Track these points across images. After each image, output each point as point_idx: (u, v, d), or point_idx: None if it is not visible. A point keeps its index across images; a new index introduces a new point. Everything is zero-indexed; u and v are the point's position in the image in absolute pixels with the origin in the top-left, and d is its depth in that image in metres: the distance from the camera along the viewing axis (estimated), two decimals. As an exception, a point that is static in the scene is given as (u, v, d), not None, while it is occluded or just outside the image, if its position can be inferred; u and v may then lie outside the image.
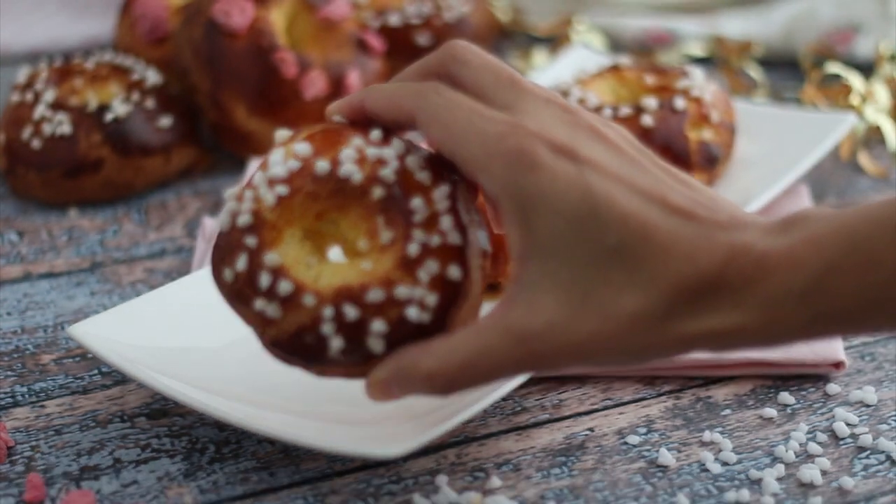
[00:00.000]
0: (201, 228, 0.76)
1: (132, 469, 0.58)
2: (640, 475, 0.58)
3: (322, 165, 0.50)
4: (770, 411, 0.62)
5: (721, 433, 0.61)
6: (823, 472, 0.58)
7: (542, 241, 0.45)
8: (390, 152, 0.50)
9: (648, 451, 0.60)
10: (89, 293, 0.72)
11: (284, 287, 0.49)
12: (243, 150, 0.85)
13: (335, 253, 0.51)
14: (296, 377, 0.62)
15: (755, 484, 0.57)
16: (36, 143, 0.80)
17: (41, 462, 0.58)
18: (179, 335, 0.63)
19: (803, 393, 0.63)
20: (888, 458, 0.59)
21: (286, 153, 0.51)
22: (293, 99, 0.83)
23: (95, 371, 0.65)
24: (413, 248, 0.49)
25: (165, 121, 0.83)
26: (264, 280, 0.50)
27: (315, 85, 0.83)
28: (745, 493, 0.56)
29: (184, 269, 0.74)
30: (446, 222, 0.49)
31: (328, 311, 0.48)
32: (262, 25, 0.83)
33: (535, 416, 0.62)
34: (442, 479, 0.57)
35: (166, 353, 0.62)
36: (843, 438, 0.60)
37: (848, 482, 0.57)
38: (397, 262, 0.49)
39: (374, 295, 0.48)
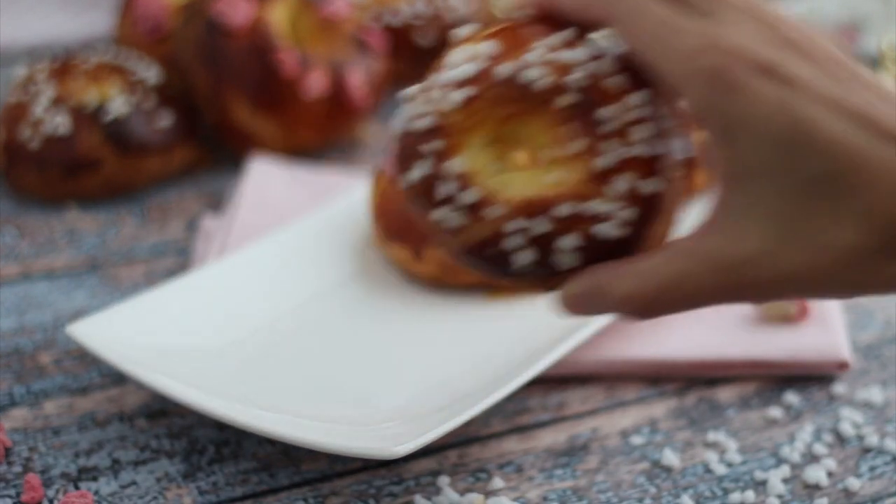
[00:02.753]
0: (201, 228, 0.76)
1: (131, 470, 0.58)
2: (643, 476, 0.58)
3: (505, 68, 0.46)
4: (775, 412, 0.61)
5: (726, 434, 0.60)
6: (829, 474, 0.58)
7: (748, 165, 0.42)
8: (580, 56, 0.46)
9: (652, 451, 0.59)
10: (89, 293, 0.72)
11: (470, 195, 0.46)
12: (244, 149, 0.84)
13: (521, 161, 0.48)
14: (295, 377, 0.61)
15: (760, 485, 0.57)
16: (35, 143, 0.80)
17: (39, 463, 0.58)
18: (179, 335, 0.63)
19: (808, 393, 0.63)
20: (894, 458, 0.59)
21: (467, 54, 0.48)
22: (294, 99, 0.83)
23: (94, 371, 0.64)
24: (605, 160, 0.45)
25: (166, 120, 0.83)
26: (448, 187, 0.46)
27: (316, 85, 0.83)
28: (750, 495, 0.56)
29: (184, 269, 0.74)
30: (640, 132, 0.46)
31: (516, 224, 0.45)
32: (262, 25, 0.82)
33: (537, 416, 0.61)
34: (444, 480, 0.57)
35: (166, 353, 0.61)
36: (848, 439, 0.60)
37: (854, 483, 0.57)
38: (588, 175, 0.45)
39: (565, 209, 0.45)
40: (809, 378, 0.64)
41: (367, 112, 0.87)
